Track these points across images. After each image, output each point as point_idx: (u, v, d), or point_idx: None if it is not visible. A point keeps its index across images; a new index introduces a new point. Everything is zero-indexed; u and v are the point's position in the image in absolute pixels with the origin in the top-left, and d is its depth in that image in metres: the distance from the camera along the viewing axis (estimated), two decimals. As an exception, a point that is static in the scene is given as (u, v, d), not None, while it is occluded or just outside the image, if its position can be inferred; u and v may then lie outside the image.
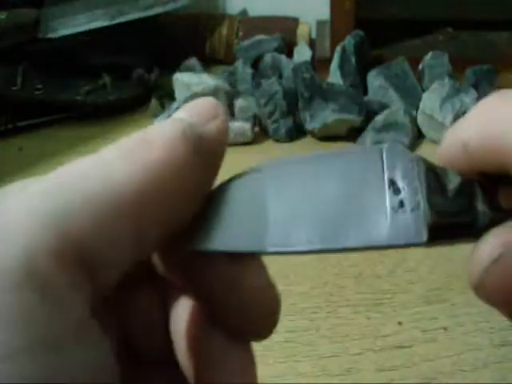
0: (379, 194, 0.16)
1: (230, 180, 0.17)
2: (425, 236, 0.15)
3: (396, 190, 0.16)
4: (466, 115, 0.17)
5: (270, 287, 0.17)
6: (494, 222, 0.16)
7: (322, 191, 0.16)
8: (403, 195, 0.16)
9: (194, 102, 0.17)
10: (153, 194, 0.15)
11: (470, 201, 0.16)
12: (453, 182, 0.16)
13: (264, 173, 0.17)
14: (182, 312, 0.18)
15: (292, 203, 0.16)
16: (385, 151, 0.16)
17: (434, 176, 0.16)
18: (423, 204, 0.15)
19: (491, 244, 0.15)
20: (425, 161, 0.16)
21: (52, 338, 0.13)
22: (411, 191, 0.16)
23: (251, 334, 0.18)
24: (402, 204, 0.16)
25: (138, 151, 0.15)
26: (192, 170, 0.16)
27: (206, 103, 0.17)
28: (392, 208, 0.16)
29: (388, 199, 0.16)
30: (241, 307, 0.17)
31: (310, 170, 0.17)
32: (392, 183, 0.16)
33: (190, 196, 0.16)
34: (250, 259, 0.17)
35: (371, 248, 0.16)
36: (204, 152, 0.16)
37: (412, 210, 0.15)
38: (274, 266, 0.46)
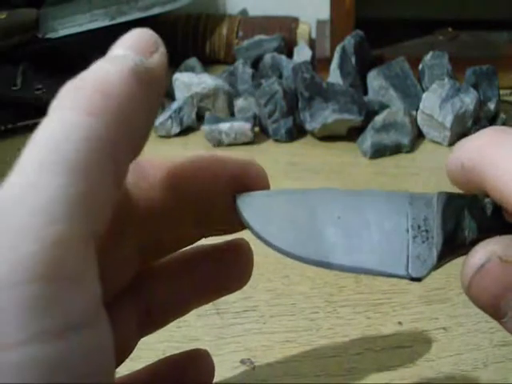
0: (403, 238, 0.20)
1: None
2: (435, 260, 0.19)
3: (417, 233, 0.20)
4: (468, 138, 0.20)
5: None
6: (483, 237, 0.18)
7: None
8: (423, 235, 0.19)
9: (132, 34, 0.19)
10: (118, 135, 0.17)
11: (458, 222, 0.19)
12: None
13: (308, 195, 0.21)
14: None
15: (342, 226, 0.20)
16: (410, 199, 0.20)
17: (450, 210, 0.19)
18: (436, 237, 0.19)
19: (477, 253, 0.18)
20: (444, 196, 0.19)
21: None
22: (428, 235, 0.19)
23: None
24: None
25: (98, 106, 0.17)
26: (143, 102, 0.18)
27: (145, 36, 0.19)
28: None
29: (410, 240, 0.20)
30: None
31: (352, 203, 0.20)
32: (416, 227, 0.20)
33: (145, 123, 0.18)
34: None
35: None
36: (150, 84, 0.18)
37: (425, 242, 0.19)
38: (273, 265, 0.45)
